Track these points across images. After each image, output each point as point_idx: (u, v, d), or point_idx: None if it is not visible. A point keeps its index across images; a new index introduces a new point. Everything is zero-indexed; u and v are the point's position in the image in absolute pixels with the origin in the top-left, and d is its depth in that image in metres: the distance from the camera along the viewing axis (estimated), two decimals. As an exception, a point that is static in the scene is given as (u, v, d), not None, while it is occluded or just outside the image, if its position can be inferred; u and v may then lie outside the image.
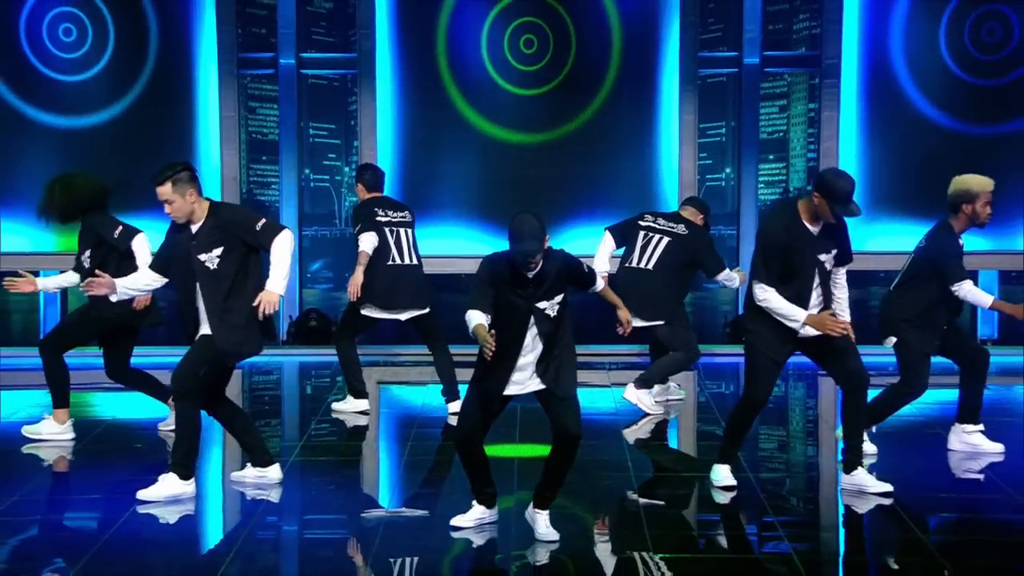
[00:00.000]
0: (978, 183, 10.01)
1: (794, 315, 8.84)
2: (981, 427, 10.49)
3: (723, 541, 8.78)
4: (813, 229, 8.91)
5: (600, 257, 12.03)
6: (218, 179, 15.77)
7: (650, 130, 16.18)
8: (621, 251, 12.18)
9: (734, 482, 9.57)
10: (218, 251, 8.89)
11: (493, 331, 7.81)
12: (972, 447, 10.46)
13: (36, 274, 11.00)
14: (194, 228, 8.94)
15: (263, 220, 9.02)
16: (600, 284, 8.49)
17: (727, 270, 12.06)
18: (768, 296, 8.85)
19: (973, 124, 16.30)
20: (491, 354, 7.76)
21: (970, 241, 10.73)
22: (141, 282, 9.25)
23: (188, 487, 9.20)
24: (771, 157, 17.45)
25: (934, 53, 16.14)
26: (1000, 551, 8.38)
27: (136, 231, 10.43)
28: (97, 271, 9.47)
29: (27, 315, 16.88)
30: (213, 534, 9.03)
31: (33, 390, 13.52)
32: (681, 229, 11.88)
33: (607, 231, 12.18)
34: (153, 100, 16.03)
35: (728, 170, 17.06)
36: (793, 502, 9.65)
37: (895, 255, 15.30)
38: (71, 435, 10.98)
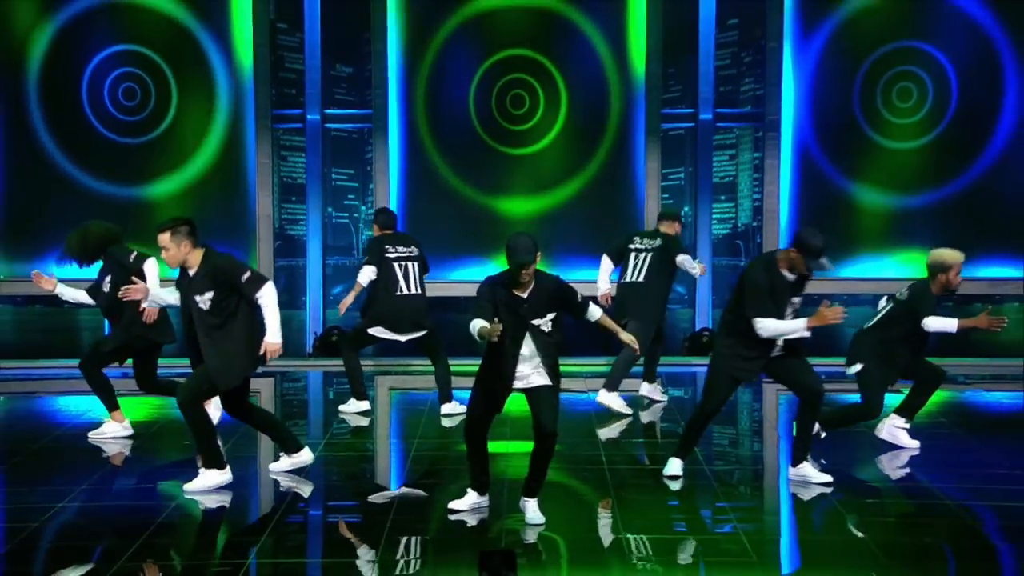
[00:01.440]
0: (951, 256, 10.14)
1: (796, 326, 8.88)
2: (908, 425, 10.47)
3: (683, 523, 8.76)
4: (789, 277, 8.95)
5: (601, 278, 12.29)
6: (255, 217, 15.70)
7: (622, 175, 16.12)
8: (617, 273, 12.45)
9: (679, 473, 9.55)
10: (209, 295, 8.84)
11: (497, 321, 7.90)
12: (895, 439, 10.43)
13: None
14: (191, 273, 8.91)
15: (249, 272, 8.94)
16: (596, 314, 8.37)
17: (690, 256, 12.27)
18: (767, 325, 8.86)
19: (884, 187, 16.19)
20: (497, 337, 7.85)
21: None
22: (171, 297, 9.27)
23: (225, 475, 9.15)
24: (722, 198, 17.37)
25: (849, 112, 16.11)
26: (918, 529, 8.38)
27: (147, 256, 10.44)
28: (133, 278, 9.53)
29: (94, 332, 16.76)
30: (251, 517, 8.96)
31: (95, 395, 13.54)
32: (658, 243, 12.07)
33: (605, 255, 12.34)
34: (208, 151, 15.99)
35: (686, 209, 16.97)
36: (742, 490, 9.60)
37: (826, 281, 15.51)
38: (130, 431, 10.96)
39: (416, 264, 11.70)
